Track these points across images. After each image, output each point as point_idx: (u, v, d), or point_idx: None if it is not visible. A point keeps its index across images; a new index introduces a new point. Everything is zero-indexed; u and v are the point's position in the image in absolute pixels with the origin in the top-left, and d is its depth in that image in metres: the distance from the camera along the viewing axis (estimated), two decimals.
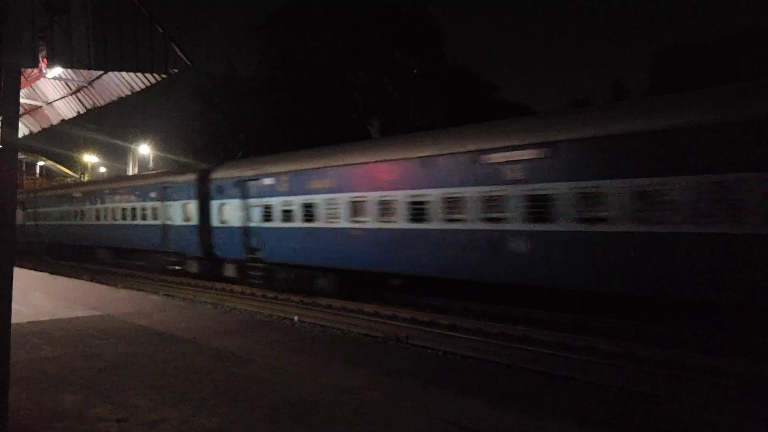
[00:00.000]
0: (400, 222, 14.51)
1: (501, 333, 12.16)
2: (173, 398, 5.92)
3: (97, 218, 29.67)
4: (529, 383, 7.30)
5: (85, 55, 13.21)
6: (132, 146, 49.63)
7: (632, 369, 9.63)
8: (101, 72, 15.51)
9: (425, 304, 15.55)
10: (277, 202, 18.26)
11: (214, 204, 20.92)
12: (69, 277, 20.86)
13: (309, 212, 17.06)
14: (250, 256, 19.37)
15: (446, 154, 13.57)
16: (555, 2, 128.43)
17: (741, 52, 31.68)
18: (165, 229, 23.68)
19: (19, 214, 38.28)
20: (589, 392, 7.06)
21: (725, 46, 33.91)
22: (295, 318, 14.54)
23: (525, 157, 11.90)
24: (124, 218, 27.18)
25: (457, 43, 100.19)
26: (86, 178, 54.25)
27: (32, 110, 20.73)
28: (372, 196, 15.22)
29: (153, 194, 24.68)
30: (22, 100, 19.40)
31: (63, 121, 20.25)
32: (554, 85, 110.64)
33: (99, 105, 17.66)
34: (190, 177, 22.43)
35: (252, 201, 19.25)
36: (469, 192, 12.95)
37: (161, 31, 13.96)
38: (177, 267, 23.57)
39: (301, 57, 38.54)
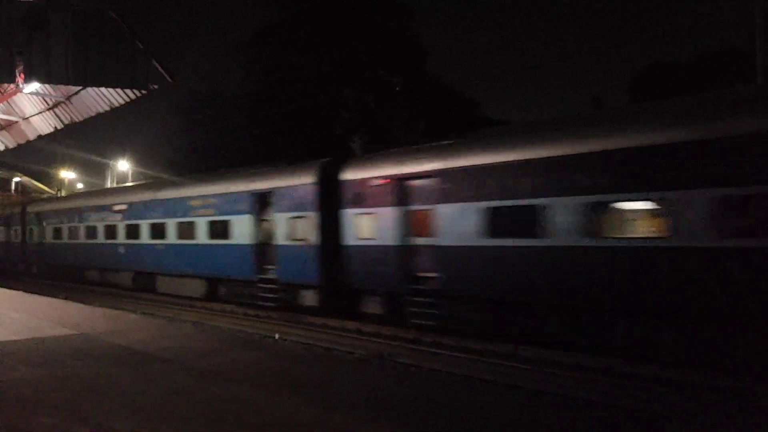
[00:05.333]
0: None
1: (485, 350, 12.11)
2: (152, 419, 5.77)
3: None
4: (514, 400, 7.25)
5: (64, 70, 13.10)
6: (110, 162, 49.09)
7: (617, 385, 9.64)
8: (80, 87, 15.39)
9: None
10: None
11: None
12: (44, 295, 20.42)
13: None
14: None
15: None
16: (535, 20, 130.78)
17: (718, 70, 32.43)
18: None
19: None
20: (573, 409, 7.03)
21: (702, 64, 34.70)
22: (277, 336, 14.36)
23: None
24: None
25: (438, 60, 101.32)
26: (62, 195, 53.51)
27: (8, 125, 20.45)
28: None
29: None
30: None
31: (40, 136, 19.99)
32: (535, 102, 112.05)
33: (77, 120, 17.49)
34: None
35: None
36: None
37: (142, 47, 13.90)
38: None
39: (286, 73, 38.56)
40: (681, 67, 36.43)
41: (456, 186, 13.24)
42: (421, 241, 14.23)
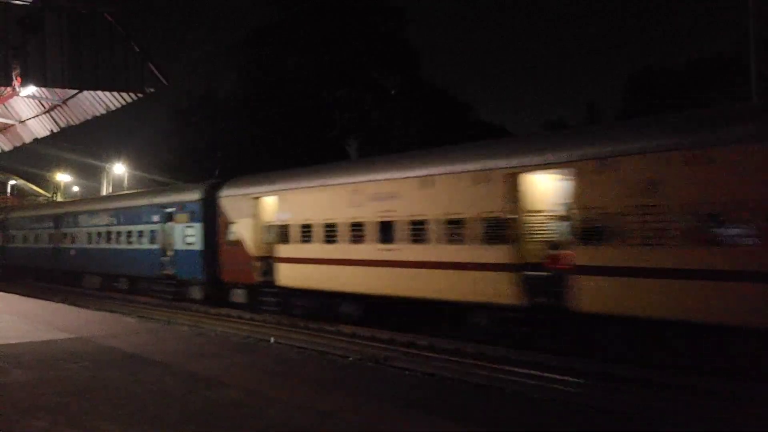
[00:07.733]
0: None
1: (480, 353, 12.11)
2: (145, 423, 5.76)
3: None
4: (508, 404, 7.26)
5: (60, 73, 13.08)
6: (106, 165, 48.87)
7: (608, 388, 9.65)
8: (76, 91, 15.37)
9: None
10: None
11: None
12: (40, 299, 20.36)
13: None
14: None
15: None
16: (533, 22, 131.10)
17: (712, 76, 32.54)
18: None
19: None
20: (568, 413, 7.04)
21: (697, 70, 34.78)
22: (272, 340, 14.34)
23: None
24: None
25: (433, 63, 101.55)
26: (59, 198, 53.28)
27: (4, 129, 20.40)
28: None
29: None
30: None
31: (36, 139, 19.95)
32: (529, 106, 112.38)
33: (73, 124, 17.47)
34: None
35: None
36: None
37: (137, 50, 13.89)
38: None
39: (285, 74, 38.54)
40: (676, 73, 36.53)
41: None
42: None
